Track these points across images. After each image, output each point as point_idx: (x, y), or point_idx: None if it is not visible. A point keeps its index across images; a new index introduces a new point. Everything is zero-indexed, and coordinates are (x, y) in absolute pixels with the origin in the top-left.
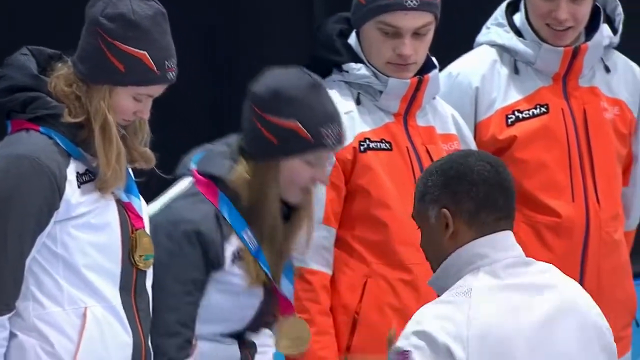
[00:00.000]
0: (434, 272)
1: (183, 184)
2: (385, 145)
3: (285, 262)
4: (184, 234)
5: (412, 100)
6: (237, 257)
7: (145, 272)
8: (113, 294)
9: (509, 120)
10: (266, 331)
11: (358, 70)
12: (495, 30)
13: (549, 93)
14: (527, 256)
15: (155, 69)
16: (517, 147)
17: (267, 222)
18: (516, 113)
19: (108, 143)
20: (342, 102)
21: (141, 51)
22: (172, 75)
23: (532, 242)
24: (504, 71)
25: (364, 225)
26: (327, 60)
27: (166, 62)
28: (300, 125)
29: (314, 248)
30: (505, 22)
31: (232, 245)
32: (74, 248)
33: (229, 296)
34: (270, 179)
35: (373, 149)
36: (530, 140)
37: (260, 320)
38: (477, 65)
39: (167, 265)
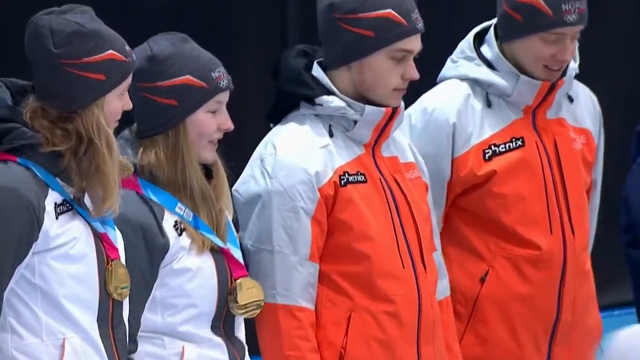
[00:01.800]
0: None
1: None
2: (361, 178)
3: (226, 223)
4: (129, 228)
5: (382, 131)
6: (180, 228)
7: (121, 302)
8: (91, 325)
9: (486, 155)
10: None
11: (332, 102)
12: (464, 63)
13: (521, 125)
14: (505, 290)
15: (127, 59)
16: (496, 181)
17: (195, 188)
18: (493, 147)
19: (113, 159)
20: (317, 137)
21: (108, 52)
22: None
23: (510, 276)
24: (477, 105)
25: (346, 259)
26: (296, 94)
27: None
28: (192, 77)
29: (302, 285)
30: (474, 55)
31: (169, 223)
32: (52, 279)
33: (187, 276)
34: (182, 144)
35: (352, 182)
36: (509, 174)
37: (226, 295)
38: (451, 101)
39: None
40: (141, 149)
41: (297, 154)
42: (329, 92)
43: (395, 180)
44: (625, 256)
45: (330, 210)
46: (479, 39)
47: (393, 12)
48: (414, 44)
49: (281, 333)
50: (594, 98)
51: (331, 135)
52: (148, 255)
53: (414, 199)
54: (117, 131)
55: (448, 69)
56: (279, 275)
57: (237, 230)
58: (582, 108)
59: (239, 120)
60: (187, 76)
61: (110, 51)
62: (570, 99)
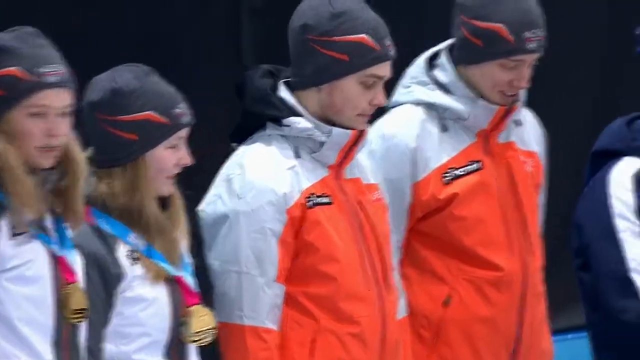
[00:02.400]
0: None
1: None
2: (327, 200)
3: (180, 253)
4: (84, 259)
5: (347, 153)
6: (134, 257)
7: (78, 327)
8: (46, 349)
9: (446, 179)
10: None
11: (299, 124)
12: (418, 88)
13: (476, 149)
14: (468, 313)
15: (29, 78)
16: (457, 204)
17: (150, 219)
18: (451, 171)
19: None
20: (284, 158)
21: (12, 68)
22: (53, 78)
23: (473, 298)
24: (433, 130)
25: (312, 281)
26: (263, 115)
27: (41, 68)
28: (154, 113)
29: (269, 307)
30: (428, 79)
31: (122, 253)
32: (6, 301)
33: (141, 305)
34: (140, 178)
35: (318, 203)
36: (470, 196)
37: (179, 324)
38: (410, 125)
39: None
40: (95, 179)
41: (266, 175)
42: (296, 113)
43: (359, 202)
44: (577, 280)
45: (297, 232)
46: (430, 63)
47: (367, 37)
48: (385, 70)
49: (248, 355)
50: (537, 120)
51: (297, 156)
52: (103, 285)
53: (377, 220)
54: None
55: (401, 94)
56: (246, 296)
57: (201, 252)
58: (529, 131)
59: (192, 142)
60: (150, 112)
61: (15, 68)
62: (517, 123)
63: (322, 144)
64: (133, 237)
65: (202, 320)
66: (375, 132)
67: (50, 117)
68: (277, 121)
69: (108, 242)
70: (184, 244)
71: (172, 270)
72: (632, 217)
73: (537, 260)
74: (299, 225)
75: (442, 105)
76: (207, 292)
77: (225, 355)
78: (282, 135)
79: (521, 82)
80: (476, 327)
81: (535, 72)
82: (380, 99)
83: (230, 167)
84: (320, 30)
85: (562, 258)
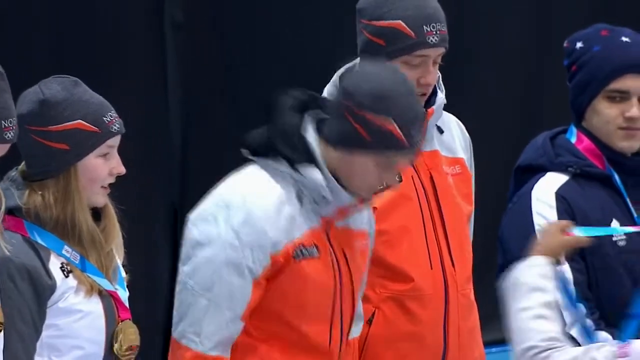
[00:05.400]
0: None
1: None
2: (315, 251)
3: (115, 265)
4: (15, 271)
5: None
6: (67, 270)
7: None
8: None
9: None
10: None
11: (312, 175)
12: None
13: None
14: (394, 330)
15: None
16: (378, 218)
17: (83, 231)
18: None
19: None
20: (285, 201)
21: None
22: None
23: (397, 315)
24: None
25: (273, 322)
26: (282, 153)
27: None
28: (84, 122)
29: (226, 340)
30: None
31: (56, 265)
32: None
33: (73, 317)
34: (73, 188)
35: (305, 256)
36: (389, 209)
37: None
38: None
39: (11, 307)
40: (27, 191)
41: (265, 217)
42: (313, 159)
43: (343, 253)
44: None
45: (275, 277)
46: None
47: (393, 122)
48: (406, 160)
49: None
50: (462, 126)
51: (299, 200)
52: (35, 297)
53: (357, 270)
54: (4, 171)
55: None
56: (208, 324)
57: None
58: (454, 138)
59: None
60: (79, 121)
61: None
62: (440, 130)
63: (325, 199)
64: (67, 250)
65: (130, 337)
66: None
67: None
68: (292, 163)
69: (40, 254)
70: (119, 258)
71: (106, 284)
72: None
73: (463, 271)
74: (279, 272)
75: None
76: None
77: None
78: (291, 176)
79: (428, 78)
80: (403, 344)
81: (457, 84)
82: (392, 179)
83: (232, 191)
84: (355, 101)
85: (491, 272)
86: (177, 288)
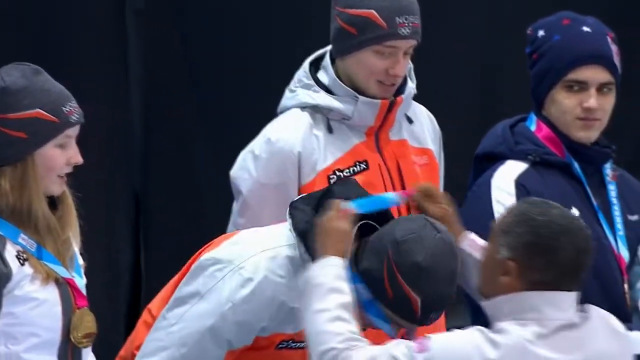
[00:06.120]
0: (482, 290)
1: None
2: (302, 344)
3: (71, 253)
4: None
5: None
6: (23, 258)
7: None
8: None
9: (331, 181)
10: (91, 354)
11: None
12: (302, 92)
13: (364, 149)
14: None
15: None
16: None
17: (40, 220)
18: (337, 172)
19: None
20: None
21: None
22: None
23: None
24: (320, 132)
25: None
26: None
27: None
28: (43, 111)
29: None
30: (312, 82)
31: (11, 253)
32: None
33: (29, 305)
34: (29, 177)
35: (289, 347)
36: None
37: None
38: (295, 130)
39: None
40: None
41: (266, 304)
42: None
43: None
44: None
45: (252, 348)
46: (315, 66)
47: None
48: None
49: None
50: (433, 118)
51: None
52: None
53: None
54: None
55: (287, 99)
56: None
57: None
58: (423, 128)
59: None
60: (38, 110)
61: None
62: (410, 120)
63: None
64: (23, 238)
65: (86, 324)
66: (261, 137)
67: None
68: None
69: None
70: (76, 245)
71: (63, 272)
72: None
73: None
74: (256, 348)
75: (326, 107)
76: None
77: None
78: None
79: (397, 70)
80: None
81: (419, 74)
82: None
83: (251, 259)
84: (396, 260)
85: None
86: (159, 322)
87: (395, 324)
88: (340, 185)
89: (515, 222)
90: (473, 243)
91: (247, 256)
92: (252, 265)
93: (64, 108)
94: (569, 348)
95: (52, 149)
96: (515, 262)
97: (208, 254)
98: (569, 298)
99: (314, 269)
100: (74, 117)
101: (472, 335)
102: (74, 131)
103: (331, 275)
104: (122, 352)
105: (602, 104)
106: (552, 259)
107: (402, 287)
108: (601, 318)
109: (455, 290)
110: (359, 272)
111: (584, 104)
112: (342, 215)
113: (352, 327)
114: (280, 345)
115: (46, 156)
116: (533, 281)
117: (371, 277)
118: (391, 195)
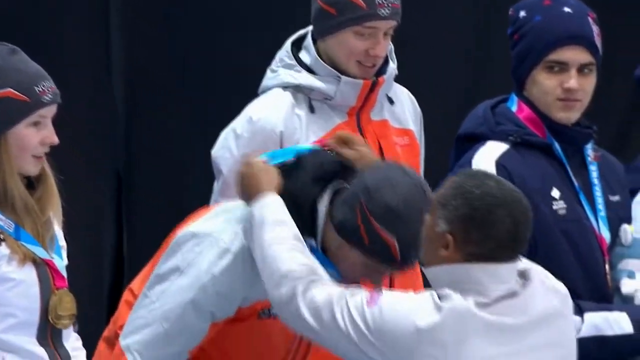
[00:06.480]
0: (424, 261)
1: None
2: None
3: (52, 234)
4: None
5: None
6: (0, 238)
7: None
8: None
9: None
10: (74, 334)
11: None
12: (284, 71)
13: (346, 128)
14: None
15: None
16: None
17: (16, 199)
18: None
19: None
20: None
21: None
22: None
23: None
24: (301, 112)
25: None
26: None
27: None
28: (14, 91)
29: None
30: (294, 62)
31: None
32: None
33: (6, 285)
34: (2, 157)
35: (271, 316)
36: None
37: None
38: (277, 109)
39: None
40: None
41: (247, 272)
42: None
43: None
44: None
45: (235, 321)
46: (297, 46)
47: (397, 243)
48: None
49: None
50: (414, 99)
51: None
52: None
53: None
54: None
55: (269, 78)
56: (154, 349)
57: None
58: (404, 109)
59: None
60: (9, 89)
61: None
62: (391, 101)
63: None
64: (0, 218)
65: (65, 305)
66: (243, 117)
67: None
68: None
69: None
70: (57, 226)
71: (42, 253)
72: None
73: None
74: (241, 320)
75: (308, 87)
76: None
77: None
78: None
79: (377, 50)
80: None
81: (402, 57)
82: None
83: (229, 228)
84: (369, 205)
85: None
86: (142, 300)
87: (375, 272)
88: (309, 155)
89: (452, 195)
90: None
91: (224, 228)
92: (230, 236)
93: (36, 88)
94: (511, 314)
95: (25, 129)
96: (452, 235)
97: (185, 230)
98: (510, 269)
99: (256, 208)
100: (47, 97)
101: (421, 298)
102: (48, 111)
103: (275, 209)
104: (105, 333)
105: (582, 85)
106: (489, 232)
107: (379, 233)
108: (540, 280)
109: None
110: (334, 226)
111: (565, 85)
112: (262, 163)
113: (309, 257)
114: (262, 315)
115: (19, 136)
116: (471, 253)
117: (346, 228)
118: (305, 145)
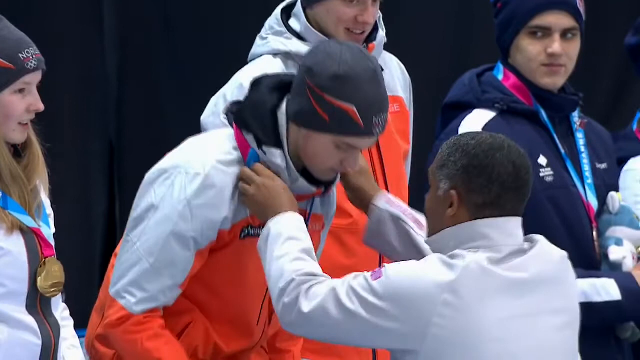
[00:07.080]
0: (430, 234)
1: None
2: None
3: (40, 202)
4: None
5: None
6: None
7: None
8: None
9: None
10: (62, 304)
11: (275, 159)
12: (274, 39)
13: None
14: (330, 262)
15: None
16: None
17: (2, 168)
18: None
19: None
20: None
21: None
22: None
23: (334, 247)
24: None
25: (206, 293)
26: (251, 129)
27: None
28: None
29: (160, 305)
30: (284, 29)
31: None
32: None
33: None
34: None
35: (251, 235)
36: None
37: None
38: None
39: None
40: None
41: (220, 191)
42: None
43: None
44: None
45: (217, 250)
46: (287, 14)
47: (355, 109)
48: (363, 143)
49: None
50: (403, 66)
51: None
52: None
53: None
54: None
55: (258, 46)
56: (142, 284)
57: None
58: (393, 76)
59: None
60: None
61: None
62: (380, 68)
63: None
64: None
65: (53, 273)
66: (233, 83)
67: None
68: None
69: None
70: (44, 194)
71: (29, 222)
72: None
73: None
74: (224, 246)
75: (299, 54)
76: None
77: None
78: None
79: (365, 17)
80: (338, 275)
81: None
82: (351, 163)
83: (196, 157)
84: (317, 82)
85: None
86: (124, 247)
87: (349, 150)
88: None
89: (449, 153)
90: (390, 200)
91: (190, 158)
92: (199, 163)
93: (20, 55)
94: (525, 270)
95: (9, 96)
96: (456, 189)
97: (153, 168)
98: (515, 222)
99: (273, 223)
100: (31, 64)
101: (429, 261)
102: (33, 78)
103: (291, 227)
104: (98, 304)
105: (566, 50)
106: (491, 176)
107: (333, 104)
108: (545, 242)
109: (386, 91)
110: (294, 120)
111: (548, 50)
112: (270, 173)
113: (312, 266)
114: (243, 234)
115: (4, 103)
116: (477, 204)
117: (304, 114)
118: None
